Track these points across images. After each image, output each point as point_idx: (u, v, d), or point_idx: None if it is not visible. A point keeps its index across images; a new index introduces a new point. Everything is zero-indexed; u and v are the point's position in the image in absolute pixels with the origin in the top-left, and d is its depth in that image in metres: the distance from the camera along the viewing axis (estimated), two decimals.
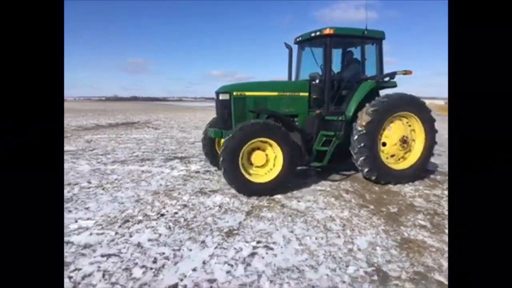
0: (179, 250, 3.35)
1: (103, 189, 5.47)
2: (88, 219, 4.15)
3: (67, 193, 5.17)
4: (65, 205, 4.62)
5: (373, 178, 5.71)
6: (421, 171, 6.08)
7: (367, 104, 5.67)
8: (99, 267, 3.01)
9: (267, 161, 5.27)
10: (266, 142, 5.12)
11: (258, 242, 3.55)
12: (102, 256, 3.21)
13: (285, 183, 5.26)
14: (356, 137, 5.56)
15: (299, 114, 6.06)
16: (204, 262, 3.10)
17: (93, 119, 22.84)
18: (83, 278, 2.83)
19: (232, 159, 4.90)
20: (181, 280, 2.81)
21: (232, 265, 3.06)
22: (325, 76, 5.92)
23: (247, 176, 5.07)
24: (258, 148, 5.23)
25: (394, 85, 6.28)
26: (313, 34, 6.08)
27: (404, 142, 5.77)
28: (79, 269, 2.96)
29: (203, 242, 3.54)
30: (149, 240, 3.57)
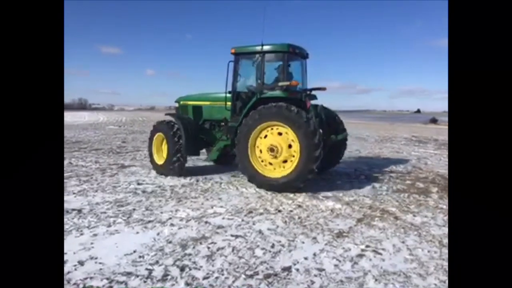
0: (293, 241, 3.83)
1: (232, 185, 6.44)
2: (221, 207, 5.05)
3: (204, 185, 6.30)
4: (204, 195, 5.69)
5: (255, 184, 6.19)
6: (297, 182, 5.80)
7: None
8: (229, 243, 3.73)
9: None
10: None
11: (367, 246, 3.74)
12: (232, 236, 3.95)
13: (167, 169, 6.97)
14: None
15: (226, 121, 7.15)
16: (314, 254, 3.50)
17: None
18: (217, 249, 3.58)
19: (149, 147, 7.42)
20: (294, 264, 3.27)
21: (340, 261, 3.36)
22: (232, 88, 6.78)
23: (155, 159, 7.28)
24: None
25: (297, 98, 6.35)
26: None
27: (272, 150, 5.89)
28: (215, 243, 3.74)
29: (314, 238, 3.93)
30: (268, 229, 4.17)
